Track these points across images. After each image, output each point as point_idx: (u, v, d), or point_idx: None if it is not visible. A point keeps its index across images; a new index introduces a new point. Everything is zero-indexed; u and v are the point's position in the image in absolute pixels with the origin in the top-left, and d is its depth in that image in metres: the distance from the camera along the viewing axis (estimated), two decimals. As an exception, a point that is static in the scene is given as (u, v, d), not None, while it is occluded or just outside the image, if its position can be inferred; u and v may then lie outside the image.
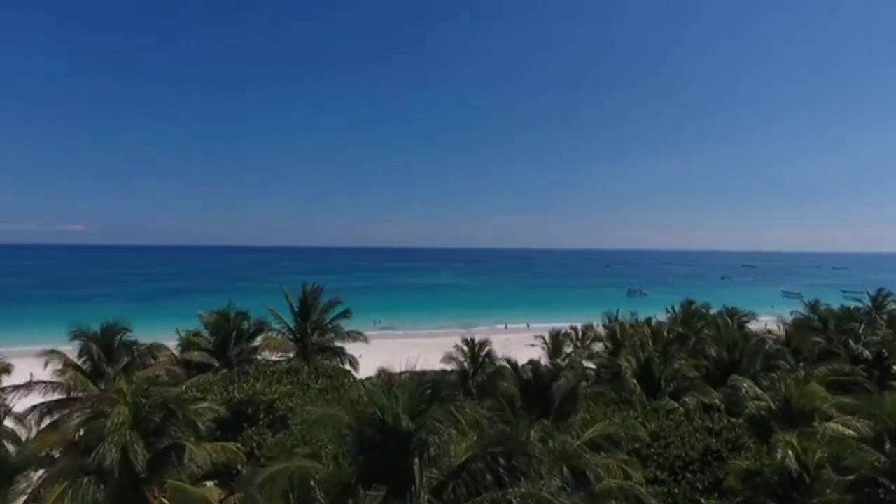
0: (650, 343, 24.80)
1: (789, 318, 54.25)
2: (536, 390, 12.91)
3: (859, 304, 51.98)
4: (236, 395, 15.20)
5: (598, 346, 41.02)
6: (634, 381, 20.94)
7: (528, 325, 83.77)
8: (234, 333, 23.82)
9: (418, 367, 54.13)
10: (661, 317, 49.88)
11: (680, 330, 26.42)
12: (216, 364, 23.60)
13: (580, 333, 44.87)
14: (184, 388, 19.67)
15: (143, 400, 12.44)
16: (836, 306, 53.08)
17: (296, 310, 25.60)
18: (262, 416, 15.12)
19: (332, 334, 26.53)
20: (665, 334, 24.93)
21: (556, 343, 44.98)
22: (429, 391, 9.07)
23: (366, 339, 26.83)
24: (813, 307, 52.50)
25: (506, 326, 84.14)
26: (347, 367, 27.76)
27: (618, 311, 32.12)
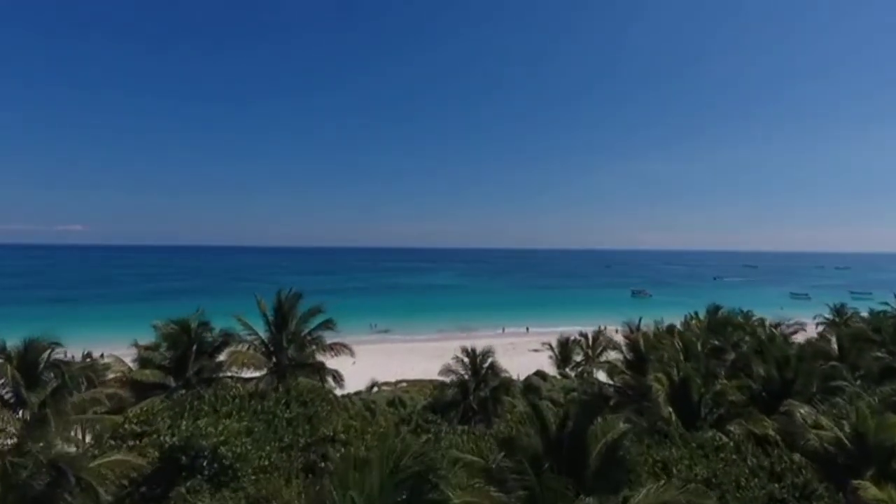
0: (681, 357, 21.23)
1: (812, 323, 50.74)
2: (566, 440, 9.45)
3: (888, 308, 48.36)
4: (167, 439, 11.68)
5: (611, 354, 37.54)
6: (670, 410, 17.38)
7: (527, 329, 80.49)
8: (194, 347, 20.23)
9: (415, 377, 49.99)
10: (676, 321, 46.38)
11: (715, 342, 22.80)
12: (172, 384, 20.07)
13: (590, 340, 41.45)
14: (124, 418, 16.16)
15: (20, 460, 8.89)
16: (847, 309, 49.61)
17: (270, 319, 21.97)
18: (204, 464, 11.62)
19: (314, 347, 22.90)
20: (698, 347, 21.37)
21: (564, 351, 41.64)
22: (411, 478, 5.53)
23: (351, 353, 23.22)
24: (839, 311, 49.00)
25: (503, 330, 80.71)
26: (331, 382, 24.21)
27: (640, 319, 28.32)
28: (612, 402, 22.25)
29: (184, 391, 19.59)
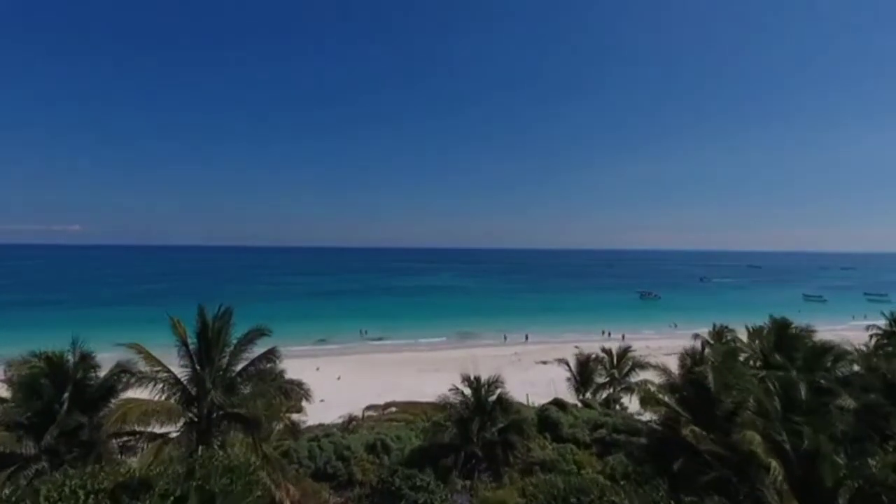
0: (777, 405, 14.64)
1: (866, 335, 44.16)
2: None
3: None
4: None
5: (641, 374, 31.08)
6: (786, 486, 10.82)
7: (526, 337, 74.22)
8: (66, 395, 13.60)
9: (407, 396, 42.44)
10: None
11: (820, 381, 16.14)
12: (32, 451, 13.42)
13: (615, 358, 34.74)
14: None
15: None
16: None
17: (191, 348, 15.36)
18: None
19: (259, 385, 16.24)
20: (802, 392, 14.75)
21: (584, 371, 34.77)
22: None
23: (307, 396, 16.54)
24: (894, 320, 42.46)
25: (505, 338, 74.18)
26: (281, 425, 17.61)
27: (703, 348, 21.04)
28: (676, 466, 15.64)
29: (44, 464, 12.99)
